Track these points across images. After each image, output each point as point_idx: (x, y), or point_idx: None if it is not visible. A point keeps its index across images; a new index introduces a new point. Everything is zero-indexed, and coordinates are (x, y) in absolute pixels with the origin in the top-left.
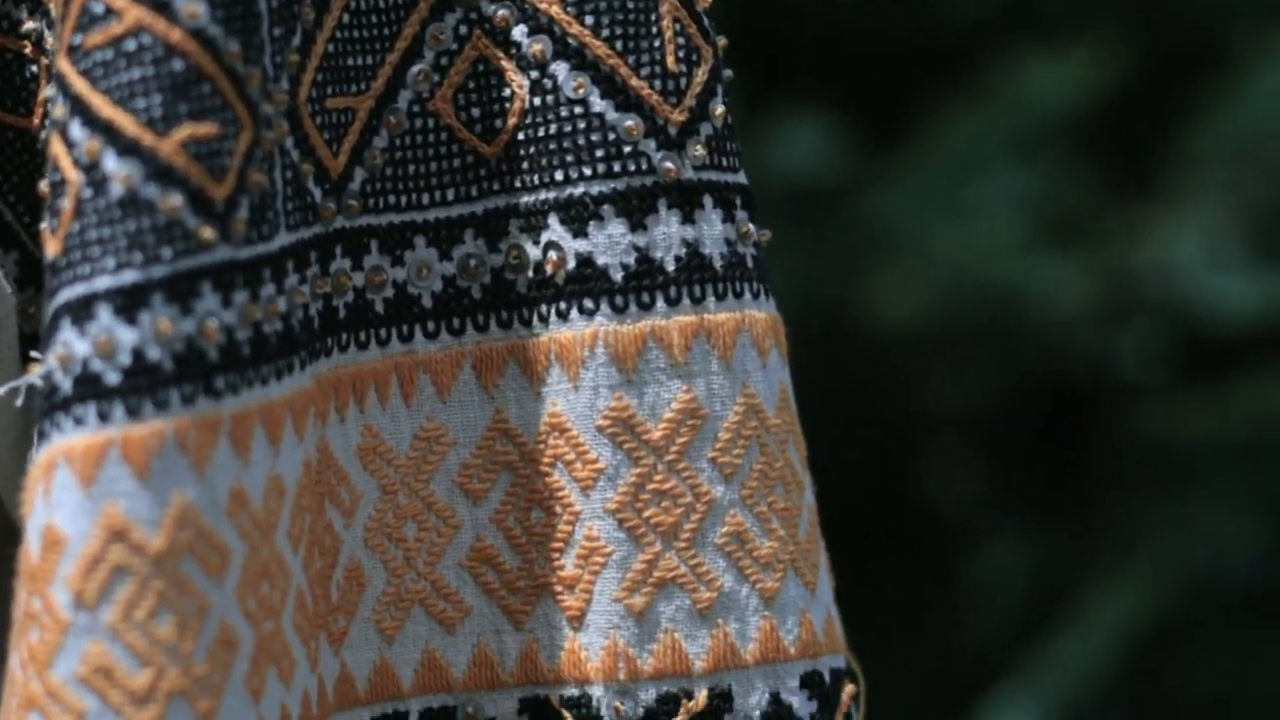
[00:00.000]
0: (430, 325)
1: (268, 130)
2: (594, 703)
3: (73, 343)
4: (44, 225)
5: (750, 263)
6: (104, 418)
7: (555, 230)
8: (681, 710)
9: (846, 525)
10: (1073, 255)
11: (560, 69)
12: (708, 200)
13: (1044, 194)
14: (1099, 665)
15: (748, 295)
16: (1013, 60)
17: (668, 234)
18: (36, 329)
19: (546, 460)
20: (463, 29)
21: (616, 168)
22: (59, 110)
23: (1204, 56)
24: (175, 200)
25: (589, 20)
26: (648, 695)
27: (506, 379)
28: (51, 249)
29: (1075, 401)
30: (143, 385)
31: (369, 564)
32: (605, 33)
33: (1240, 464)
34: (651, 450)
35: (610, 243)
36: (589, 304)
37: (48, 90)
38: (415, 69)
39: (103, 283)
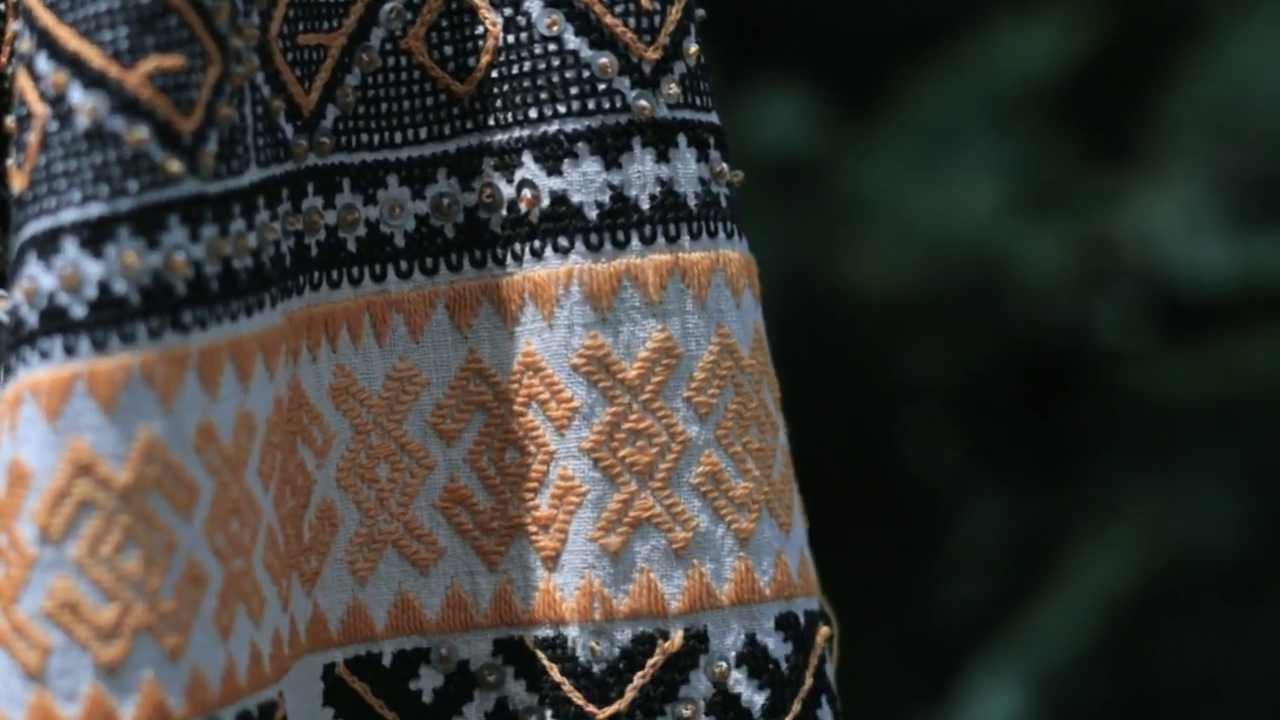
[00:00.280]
0: (403, 265)
1: (237, 64)
2: (569, 643)
3: (39, 277)
4: (10, 160)
5: (724, 203)
6: (70, 351)
7: (529, 168)
8: (657, 651)
9: (827, 494)
10: (1051, 223)
11: (534, 6)
12: (682, 139)
13: (1021, 162)
14: (1081, 632)
15: (721, 235)
16: (988, 28)
17: (642, 172)
18: (4, 269)
19: (521, 400)
20: None
21: (591, 105)
22: (25, 44)
23: (1180, 22)
24: (141, 133)
25: None
26: (623, 636)
27: (480, 319)
28: (18, 184)
29: (1055, 369)
30: (109, 319)
31: (342, 504)
32: None
33: (1220, 429)
34: (627, 389)
35: (585, 180)
36: (564, 242)
37: (14, 24)
38: (388, 6)
39: (68, 216)
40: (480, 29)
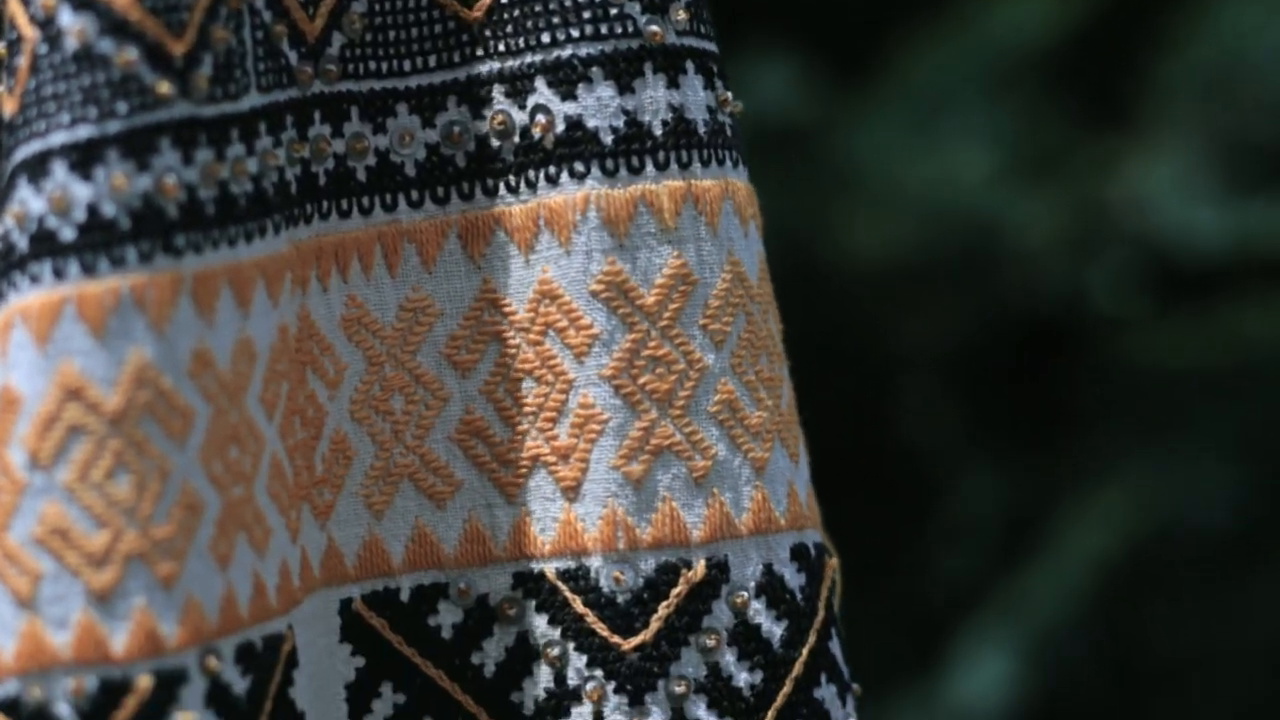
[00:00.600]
0: (414, 194)
1: None
2: (592, 574)
3: (29, 200)
4: (1, 86)
5: (729, 131)
6: (59, 275)
7: (543, 93)
8: (681, 580)
9: (822, 463)
10: (1045, 190)
11: None
12: (690, 66)
13: (1016, 129)
14: (1073, 600)
15: (729, 163)
16: None
17: (655, 98)
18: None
19: (537, 328)
20: None
21: (604, 29)
22: None
23: None
24: (131, 54)
25: None
26: (647, 565)
27: (493, 247)
28: (8, 108)
29: (1049, 336)
30: (98, 241)
31: (355, 437)
32: None
33: (1213, 397)
34: (645, 316)
35: (600, 105)
36: (579, 167)
37: None
38: None
39: (58, 139)
40: None
